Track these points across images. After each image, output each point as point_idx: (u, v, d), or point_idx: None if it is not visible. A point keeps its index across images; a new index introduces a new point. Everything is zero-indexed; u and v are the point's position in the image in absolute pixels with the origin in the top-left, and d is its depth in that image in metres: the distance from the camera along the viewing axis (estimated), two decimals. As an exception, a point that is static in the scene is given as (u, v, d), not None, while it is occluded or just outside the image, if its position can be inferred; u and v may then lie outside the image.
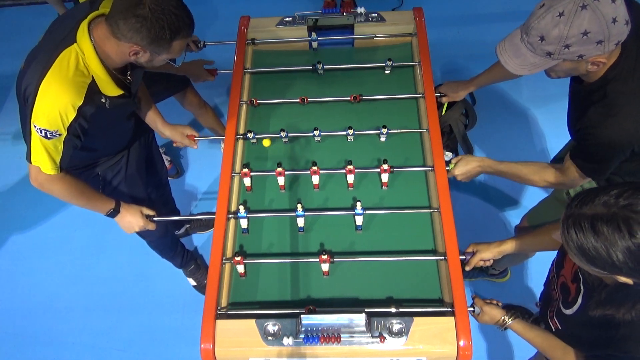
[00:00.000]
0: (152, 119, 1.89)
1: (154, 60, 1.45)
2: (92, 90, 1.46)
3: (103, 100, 1.50)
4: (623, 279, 1.03)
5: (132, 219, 1.75)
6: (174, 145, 1.95)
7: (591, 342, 1.25)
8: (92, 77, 1.45)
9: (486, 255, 1.59)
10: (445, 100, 2.12)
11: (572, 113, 1.56)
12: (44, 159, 1.47)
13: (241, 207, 1.68)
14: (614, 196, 0.97)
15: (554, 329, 1.43)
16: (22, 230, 2.79)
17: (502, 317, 1.48)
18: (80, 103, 1.43)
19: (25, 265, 2.66)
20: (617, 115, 1.33)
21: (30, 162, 1.49)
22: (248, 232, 1.74)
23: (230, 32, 2.23)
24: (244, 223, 1.72)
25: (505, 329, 1.49)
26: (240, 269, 1.63)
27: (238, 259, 1.59)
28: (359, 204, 1.66)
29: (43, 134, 1.41)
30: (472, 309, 1.53)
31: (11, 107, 3.28)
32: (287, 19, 2.19)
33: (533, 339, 1.43)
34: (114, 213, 1.72)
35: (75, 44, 1.41)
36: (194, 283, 2.53)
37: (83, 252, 2.68)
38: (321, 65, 2.05)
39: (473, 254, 1.62)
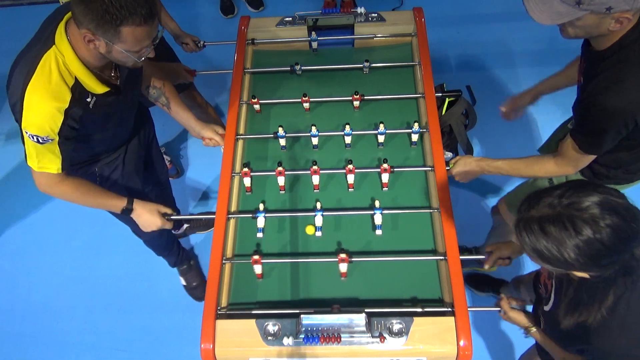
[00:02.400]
0: (185, 117, 1.90)
1: (113, 52, 1.38)
2: (77, 91, 1.44)
3: (89, 99, 1.48)
4: (579, 274, 1.08)
5: (149, 218, 1.73)
6: (204, 144, 1.94)
7: (567, 337, 1.27)
8: (75, 77, 1.44)
9: (505, 252, 1.61)
10: (513, 117, 2.07)
11: (581, 87, 1.52)
12: (42, 161, 1.47)
13: (261, 205, 1.69)
14: (557, 196, 1.03)
15: (542, 327, 1.44)
16: (22, 230, 2.79)
17: (527, 326, 1.48)
18: (66, 106, 1.42)
19: (25, 265, 2.66)
20: (623, 83, 1.31)
21: (29, 165, 1.49)
22: (263, 233, 1.73)
23: (231, 32, 2.23)
24: (260, 222, 1.71)
25: (528, 335, 1.50)
26: (258, 269, 1.62)
27: (256, 257, 1.58)
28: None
29: (35, 139, 1.42)
30: (499, 310, 1.54)
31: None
32: (287, 19, 2.19)
33: (553, 348, 1.42)
34: (127, 211, 1.71)
35: (54, 46, 1.40)
36: (184, 283, 2.52)
37: (83, 251, 2.67)
38: (299, 67, 2.06)
39: (491, 253, 1.62)
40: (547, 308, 1.37)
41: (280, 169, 1.76)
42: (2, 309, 2.53)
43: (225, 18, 3.58)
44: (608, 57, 1.35)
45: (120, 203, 1.69)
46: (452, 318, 1.46)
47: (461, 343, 1.42)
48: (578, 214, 0.99)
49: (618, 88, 1.32)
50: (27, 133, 1.42)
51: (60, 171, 1.51)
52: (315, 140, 1.88)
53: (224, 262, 1.63)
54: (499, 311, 1.53)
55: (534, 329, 1.46)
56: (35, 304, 2.54)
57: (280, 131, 1.84)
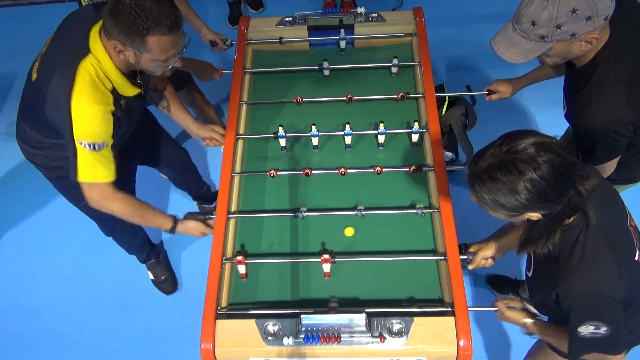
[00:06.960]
0: (183, 119, 1.94)
1: (141, 61, 1.44)
2: (115, 95, 1.50)
3: (122, 102, 1.54)
4: (534, 216, 1.15)
5: (194, 228, 1.75)
6: (204, 144, 1.97)
7: (542, 289, 1.31)
8: (111, 82, 1.49)
9: (488, 252, 1.60)
10: (495, 97, 2.01)
11: (565, 103, 1.57)
12: (99, 170, 1.49)
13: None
14: (497, 146, 1.11)
15: (528, 297, 1.47)
16: (22, 230, 2.79)
17: (523, 321, 1.48)
18: (113, 109, 1.47)
19: (25, 265, 2.66)
20: (597, 100, 1.36)
21: (77, 179, 1.49)
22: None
23: (232, 32, 2.23)
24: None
25: (529, 333, 1.50)
26: (242, 269, 1.62)
27: (239, 258, 1.59)
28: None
29: (92, 147, 1.44)
30: (496, 310, 1.54)
31: (11, 107, 3.27)
32: (287, 19, 2.19)
33: (549, 336, 1.43)
34: (172, 230, 1.73)
35: (90, 54, 1.44)
36: (152, 277, 2.52)
37: (83, 252, 2.67)
38: (327, 64, 2.05)
39: (475, 253, 1.62)
40: (529, 274, 1.41)
41: (272, 171, 1.78)
42: (2, 309, 2.53)
43: (232, 28, 3.53)
44: (584, 74, 1.39)
45: (166, 223, 1.71)
46: (452, 318, 1.46)
47: (461, 343, 1.42)
48: (517, 156, 1.07)
49: (593, 107, 1.36)
50: (81, 143, 1.43)
51: (114, 178, 1.53)
52: (315, 141, 1.88)
53: (224, 262, 1.63)
54: (496, 311, 1.53)
55: (530, 322, 1.46)
56: (35, 304, 2.54)
57: (280, 131, 1.84)
